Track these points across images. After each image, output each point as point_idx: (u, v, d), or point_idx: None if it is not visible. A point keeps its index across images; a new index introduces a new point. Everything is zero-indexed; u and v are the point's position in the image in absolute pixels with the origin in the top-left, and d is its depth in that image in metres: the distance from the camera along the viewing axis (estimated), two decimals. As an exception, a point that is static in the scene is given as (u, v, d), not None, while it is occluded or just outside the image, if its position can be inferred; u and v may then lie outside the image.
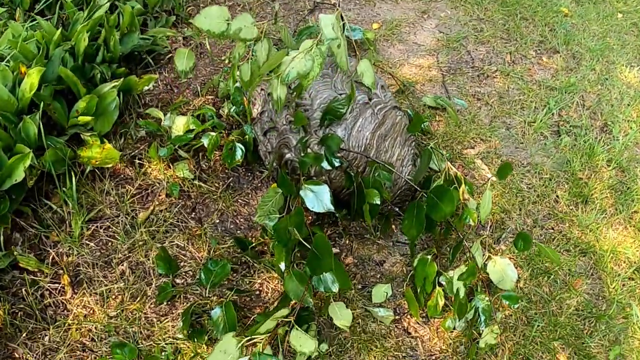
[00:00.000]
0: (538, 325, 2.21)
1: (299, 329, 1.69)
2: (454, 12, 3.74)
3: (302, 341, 1.67)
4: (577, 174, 2.76)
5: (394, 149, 2.26)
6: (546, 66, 3.40)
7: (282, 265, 1.87)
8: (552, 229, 2.54)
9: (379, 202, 1.99)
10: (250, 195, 2.45)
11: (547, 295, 2.31)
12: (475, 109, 2.99)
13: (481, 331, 2.07)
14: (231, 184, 2.46)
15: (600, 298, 2.36)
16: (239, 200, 2.41)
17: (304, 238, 1.83)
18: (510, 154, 2.81)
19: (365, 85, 2.14)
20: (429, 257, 2.12)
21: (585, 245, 2.49)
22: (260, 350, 1.60)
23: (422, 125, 2.63)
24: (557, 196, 2.66)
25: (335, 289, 1.82)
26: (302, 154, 2.11)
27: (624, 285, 2.41)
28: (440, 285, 2.15)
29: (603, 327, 2.26)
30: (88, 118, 2.29)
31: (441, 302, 2.13)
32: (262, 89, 2.37)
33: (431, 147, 2.37)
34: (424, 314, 2.19)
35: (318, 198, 1.97)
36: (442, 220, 2.05)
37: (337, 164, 2.04)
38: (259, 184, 2.47)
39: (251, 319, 2.06)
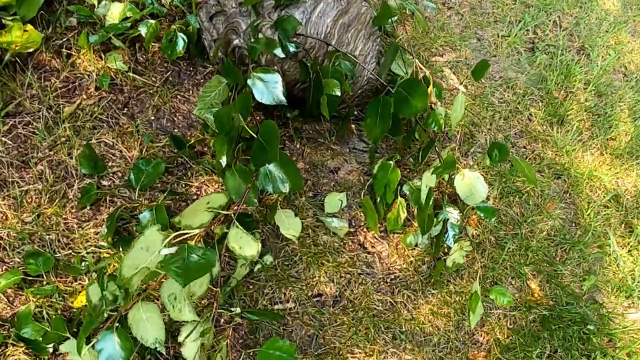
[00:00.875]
0: (508, 248, 2.03)
1: (239, 227, 1.44)
2: None
3: (243, 242, 1.42)
4: (553, 93, 2.55)
5: (357, 41, 1.99)
6: (522, -20, 3.15)
7: (224, 160, 1.60)
8: (525, 147, 2.34)
9: (338, 94, 1.73)
10: (191, 92, 2.15)
11: (518, 217, 2.12)
12: (444, 18, 2.72)
13: (447, 249, 1.87)
14: (170, 79, 2.15)
15: (574, 224, 2.19)
16: (178, 97, 2.11)
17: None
18: (481, 66, 2.58)
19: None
20: (392, 162, 1.88)
21: (560, 167, 2.31)
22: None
23: (388, 24, 2.34)
24: (531, 114, 2.45)
25: (285, 189, 1.56)
26: (253, 40, 1.82)
27: (599, 213, 2.24)
28: (402, 196, 1.93)
29: (577, 255, 2.10)
30: (9, -1, 1.94)
31: (403, 215, 1.91)
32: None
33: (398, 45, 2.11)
34: (382, 228, 1.97)
35: (268, 88, 1.70)
36: (411, 117, 1.79)
37: (292, 50, 1.76)
38: (202, 80, 2.17)
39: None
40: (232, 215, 1.44)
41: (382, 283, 1.87)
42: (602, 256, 2.13)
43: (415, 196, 1.87)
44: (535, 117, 2.44)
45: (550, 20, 2.91)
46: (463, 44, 2.61)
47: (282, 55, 1.79)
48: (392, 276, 1.89)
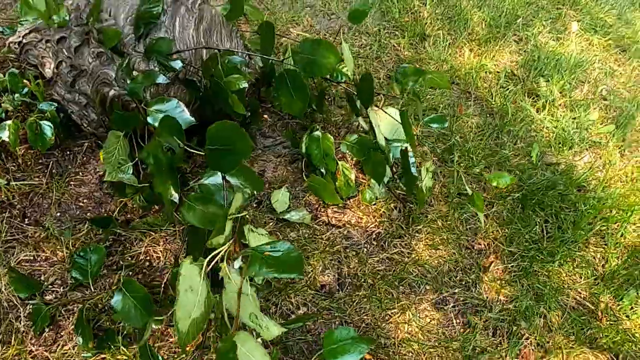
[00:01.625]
0: (456, 160, 2.05)
1: (254, 229, 1.32)
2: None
3: (259, 239, 1.30)
4: (401, 20, 2.64)
5: (223, 43, 1.92)
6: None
7: (175, 196, 1.45)
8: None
9: (245, 85, 1.65)
10: (80, 173, 1.95)
11: (445, 131, 2.16)
12: (268, 1, 2.72)
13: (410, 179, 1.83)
14: (54, 171, 1.94)
15: (489, 114, 2.28)
16: (71, 183, 1.91)
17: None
18: (327, 26, 2.60)
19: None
20: (318, 132, 1.83)
21: (450, 74, 2.39)
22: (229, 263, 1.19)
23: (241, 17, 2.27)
24: (394, 45, 2.53)
25: (248, 193, 1.46)
26: (129, 81, 1.69)
27: (502, 94, 2.35)
28: (340, 159, 1.89)
29: (510, 136, 2.19)
30: None
31: (352, 176, 1.86)
32: (47, 41, 1.87)
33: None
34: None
35: (174, 116, 1.58)
36: (327, 74, 1.73)
37: (180, 66, 1.65)
38: (85, 158, 1.98)
39: (160, 293, 1.64)
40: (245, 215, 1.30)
41: (369, 246, 1.81)
42: (528, 125, 2.23)
43: (357, 149, 1.83)
44: (400, 45, 2.51)
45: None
46: (300, 15, 2.62)
47: (167, 81, 1.68)
48: (374, 235, 1.84)
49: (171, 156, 1.38)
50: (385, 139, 1.94)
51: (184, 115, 1.58)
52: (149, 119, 1.58)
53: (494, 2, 2.81)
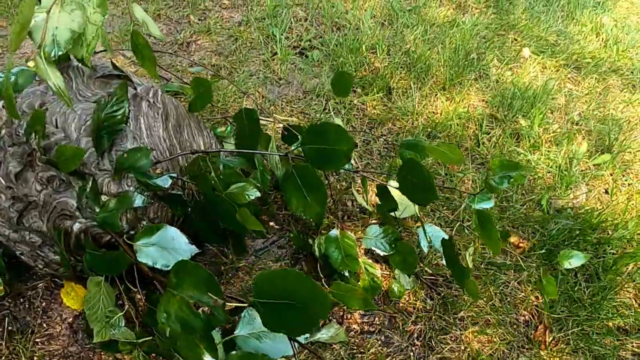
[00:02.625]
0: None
1: None
2: None
3: None
4: (359, 74, 2.41)
5: (196, 138, 1.61)
6: None
7: (209, 360, 1.11)
8: (383, 135, 2.17)
9: (257, 194, 1.33)
10: (44, 325, 1.53)
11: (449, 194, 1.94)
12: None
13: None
14: (10, 328, 1.50)
15: (481, 169, 2.10)
16: (38, 341, 1.48)
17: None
18: (280, 94, 2.32)
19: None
20: (334, 230, 1.55)
21: (426, 127, 2.20)
22: None
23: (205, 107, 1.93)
24: (359, 103, 2.29)
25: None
26: (98, 210, 1.33)
27: (488, 142, 2.18)
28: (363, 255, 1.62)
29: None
30: None
31: (377, 272, 1.59)
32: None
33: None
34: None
35: (169, 248, 1.25)
36: (340, 168, 1.44)
37: (168, 184, 1.32)
38: (44, 304, 1.56)
39: None
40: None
41: (415, 349, 1.54)
42: (530, 172, 2.07)
43: (385, 243, 1.58)
44: (365, 103, 2.29)
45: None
46: (246, 86, 2.32)
47: (147, 203, 1.34)
48: (415, 334, 1.57)
49: (208, 318, 1.04)
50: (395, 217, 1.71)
51: (183, 245, 1.25)
52: (141, 258, 1.24)
53: (444, 40, 2.66)
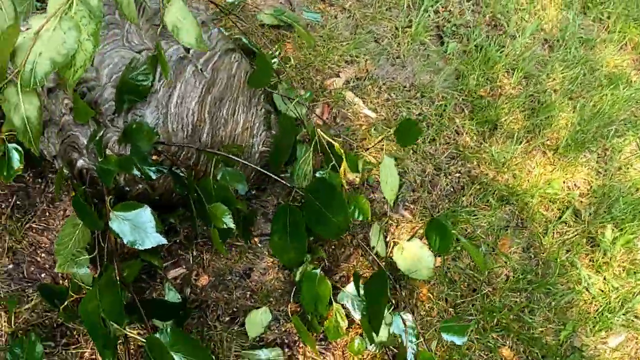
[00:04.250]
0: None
1: None
2: None
3: None
4: (477, 92, 2.16)
5: (236, 116, 1.55)
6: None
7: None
8: (460, 172, 1.98)
9: (231, 225, 1.30)
10: (48, 213, 1.65)
11: (472, 273, 1.78)
12: (331, 21, 2.26)
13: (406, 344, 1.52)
14: (18, 202, 1.64)
15: (533, 257, 1.87)
16: (34, 226, 1.62)
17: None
18: (387, 76, 2.16)
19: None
20: (318, 271, 1.49)
21: (505, 188, 1.96)
22: None
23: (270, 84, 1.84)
24: (458, 126, 2.07)
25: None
26: (100, 160, 1.36)
27: (558, 234, 1.93)
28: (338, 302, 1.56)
29: (544, 296, 1.79)
30: None
31: (343, 324, 1.54)
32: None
33: (288, 105, 1.69)
34: (321, 336, 1.61)
35: (138, 228, 1.26)
36: (333, 239, 1.39)
37: (155, 176, 1.31)
38: (58, 196, 1.67)
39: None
40: None
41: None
42: (572, 292, 1.83)
43: (360, 304, 1.51)
44: (464, 128, 2.07)
45: (450, -8, 2.50)
46: (359, 51, 2.18)
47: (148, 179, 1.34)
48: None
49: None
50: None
51: (150, 232, 1.26)
52: (112, 225, 1.26)
53: (592, 96, 2.29)
